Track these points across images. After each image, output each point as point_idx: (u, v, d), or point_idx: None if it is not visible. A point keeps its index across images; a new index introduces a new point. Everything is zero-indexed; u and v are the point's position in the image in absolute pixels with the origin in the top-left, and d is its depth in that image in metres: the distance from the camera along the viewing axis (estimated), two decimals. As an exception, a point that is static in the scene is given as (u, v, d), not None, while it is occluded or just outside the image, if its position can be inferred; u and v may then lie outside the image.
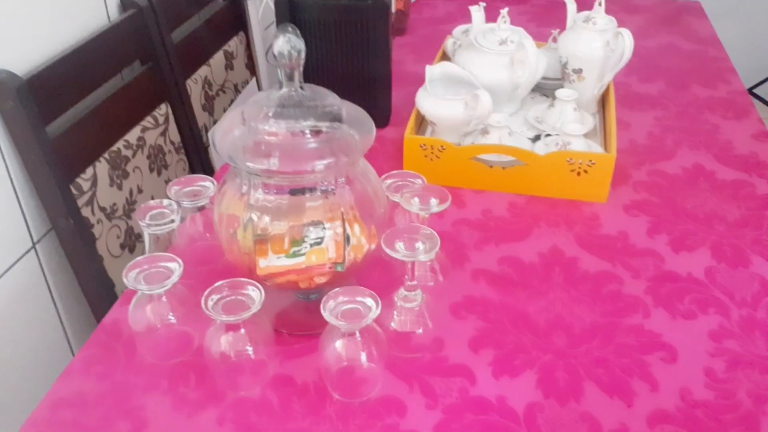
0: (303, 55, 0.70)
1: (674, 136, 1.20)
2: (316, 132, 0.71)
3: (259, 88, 1.65)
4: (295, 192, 0.73)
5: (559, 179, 1.03)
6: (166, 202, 0.83)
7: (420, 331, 0.79)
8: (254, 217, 0.73)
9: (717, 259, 0.92)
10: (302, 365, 0.77)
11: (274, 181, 0.72)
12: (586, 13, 1.14)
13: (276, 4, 1.15)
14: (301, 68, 0.71)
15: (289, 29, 0.69)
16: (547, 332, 0.82)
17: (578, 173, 1.01)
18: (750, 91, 2.76)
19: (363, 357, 0.72)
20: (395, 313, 0.78)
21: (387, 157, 1.16)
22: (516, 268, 0.92)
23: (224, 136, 0.72)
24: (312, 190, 0.73)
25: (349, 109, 0.76)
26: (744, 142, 1.18)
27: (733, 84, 1.38)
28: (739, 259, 0.92)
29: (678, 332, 0.81)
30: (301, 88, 0.72)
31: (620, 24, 1.14)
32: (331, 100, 0.75)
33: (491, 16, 1.22)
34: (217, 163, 1.44)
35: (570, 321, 0.83)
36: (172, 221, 0.81)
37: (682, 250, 0.94)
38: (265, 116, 0.71)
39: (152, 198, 1.24)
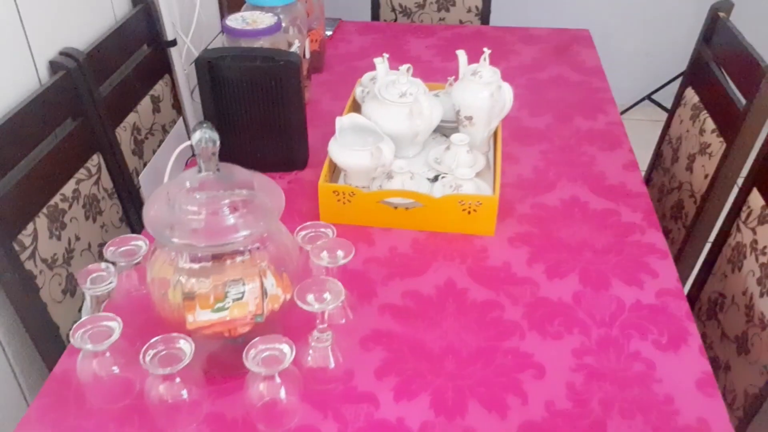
0: (218, 144, 0.83)
1: (556, 168, 1.37)
2: (234, 207, 0.84)
3: (186, 126, 1.75)
4: (217, 256, 0.86)
5: (453, 218, 1.18)
6: (103, 265, 0.94)
7: (332, 365, 0.93)
8: (182, 279, 0.86)
9: (583, 283, 1.09)
10: (232, 402, 0.90)
11: (199, 252, 0.84)
12: (474, 66, 1.30)
13: (196, 66, 1.26)
14: (217, 155, 0.84)
15: (204, 125, 0.81)
16: (440, 358, 0.97)
17: (469, 212, 1.17)
18: (648, 97, 3.00)
19: (282, 393, 0.85)
20: (310, 351, 0.92)
21: (306, 198, 1.29)
22: (416, 301, 1.07)
23: (153, 216, 0.84)
24: (232, 253, 0.86)
25: (258, 179, 0.89)
26: (615, 172, 1.36)
27: (610, 115, 1.56)
28: (601, 283, 1.09)
29: (547, 351, 0.97)
30: (218, 169, 0.85)
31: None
32: (243, 175, 0.88)
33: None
34: (149, 204, 1.54)
35: (459, 347, 0.98)
36: (111, 283, 0.93)
37: (555, 277, 1.11)
38: (187, 196, 0.83)
39: (89, 244, 1.34)
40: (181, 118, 1.75)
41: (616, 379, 0.93)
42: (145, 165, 1.57)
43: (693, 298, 1.37)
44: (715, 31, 1.53)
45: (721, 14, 1.51)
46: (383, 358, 0.97)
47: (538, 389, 0.92)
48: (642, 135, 2.13)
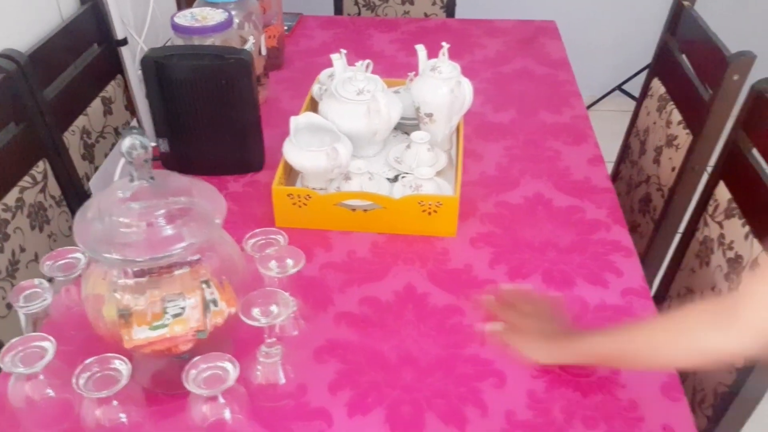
0: (150, 150, 0.78)
1: (520, 165, 1.33)
2: (171, 217, 0.79)
3: (141, 127, 1.69)
4: (153, 270, 0.81)
5: (413, 219, 1.14)
6: (37, 281, 0.89)
7: (283, 381, 0.88)
8: (117, 295, 0.81)
9: (547, 284, 1.06)
10: (174, 424, 0.85)
11: (134, 266, 0.79)
12: (433, 61, 1.25)
13: (142, 66, 1.21)
14: (150, 162, 0.78)
15: (134, 131, 0.76)
16: (397, 368, 0.93)
17: (429, 213, 1.13)
18: (619, 87, 2.98)
19: (227, 413, 0.81)
20: (259, 367, 0.87)
21: (262, 202, 1.24)
22: (374, 308, 1.02)
23: (83, 229, 0.78)
24: (170, 266, 0.81)
25: (197, 186, 0.84)
26: (580, 167, 1.32)
27: (576, 108, 1.53)
28: (565, 283, 1.06)
29: (508, 358, 0.93)
30: (152, 178, 0.80)
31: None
32: (180, 182, 0.83)
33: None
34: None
35: (418, 355, 0.94)
36: (45, 300, 0.87)
37: (518, 277, 1.07)
38: (120, 207, 0.78)
39: (36, 255, 1.28)
40: (134, 120, 1.69)
41: (579, 386, 0.90)
42: (96, 170, 1.51)
43: (662, 293, 1.34)
44: (680, 21, 1.49)
45: (686, 3, 1.48)
46: (338, 370, 0.92)
47: (498, 399, 0.88)
48: (613, 126, 2.10)
